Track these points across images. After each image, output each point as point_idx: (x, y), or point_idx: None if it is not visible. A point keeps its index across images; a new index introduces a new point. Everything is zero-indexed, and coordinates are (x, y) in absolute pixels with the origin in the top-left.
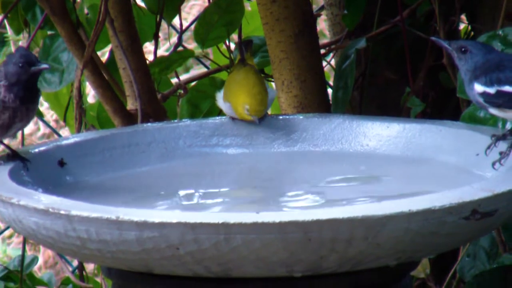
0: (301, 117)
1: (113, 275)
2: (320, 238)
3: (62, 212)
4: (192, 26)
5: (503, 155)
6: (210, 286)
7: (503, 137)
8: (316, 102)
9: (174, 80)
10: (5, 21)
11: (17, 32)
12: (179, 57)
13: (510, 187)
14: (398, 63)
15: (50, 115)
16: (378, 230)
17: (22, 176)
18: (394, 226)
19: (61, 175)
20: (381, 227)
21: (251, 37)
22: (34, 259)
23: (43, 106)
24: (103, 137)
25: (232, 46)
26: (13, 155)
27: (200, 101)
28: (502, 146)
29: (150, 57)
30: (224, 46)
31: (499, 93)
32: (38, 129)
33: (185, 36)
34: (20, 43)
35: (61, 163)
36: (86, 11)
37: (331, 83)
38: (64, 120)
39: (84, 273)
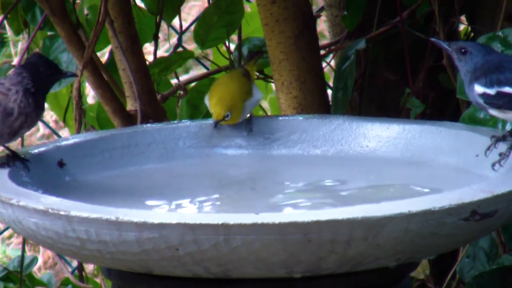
0: (300, 118)
1: (112, 276)
2: (320, 239)
3: (61, 212)
4: (192, 27)
5: (502, 156)
6: (210, 287)
7: (503, 138)
8: (316, 103)
9: (173, 81)
10: (5, 22)
11: (17, 32)
12: (178, 58)
13: (509, 188)
14: (397, 64)
15: (49, 115)
16: (377, 231)
17: (22, 176)
18: (393, 227)
19: (61, 176)
20: (381, 228)
21: (251, 38)
22: (34, 260)
23: None
24: (102, 138)
25: (232, 47)
26: (12, 156)
27: (199, 102)
28: (502, 147)
29: (150, 58)
30: (223, 47)
31: (499, 94)
32: (38, 129)
33: (185, 37)
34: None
35: (61, 164)
36: (86, 11)
37: (331, 84)
38: (64, 121)
39: (83, 273)
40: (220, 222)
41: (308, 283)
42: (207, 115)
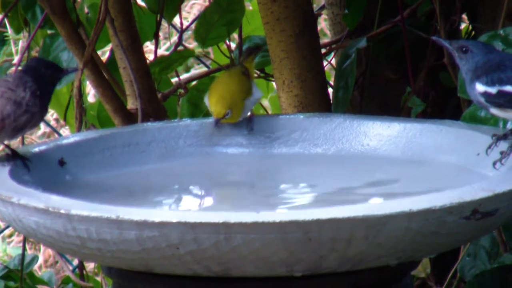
0: (301, 116)
1: (113, 274)
2: (320, 237)
3: (62, 211)
4: (193, 26)
5: (504, 154)
6: (210, 285)
7: (504, 137)
8: (317, 102)
9: (174, 80)
10: (5, 20)
11: (17, 31)
12: (179, 56)
13: (510, 186)
14: (398, 63)
15: (50, 114)
16: (378, 229)
17: (22, 175)
18: (394, 226)
19: (61, 175)
20: (382, 227)
21: (251, 36)
22: (34, 258)
23: None
24: (103, 137)
25: (233, 45)
26: (13, 155)
27: (200, 101)
28: (503, 145)
29: (150, 57)
30: (224, 46)
31: (500, 93)
32: (38, 128)
33: (186, 35)
34: (20, 42)
35: (61, 163)
36: (86, 10)
37: (331, 82)
38: (64, 119)
39: (84, 272)
40: (220, 221)
41: (308, 282)
42: (208, 113)
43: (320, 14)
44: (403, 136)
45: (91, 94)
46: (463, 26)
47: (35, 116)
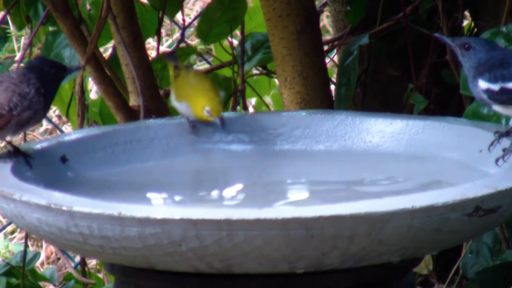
0: (303, 113)
1: (115, 271)
2: (323, 234)
3: (64, 208)
4: (195, 22)
5: (506, 151)
6: (212, 282)
7: (506, 134)
8: (319, 99)
9: None
10: (8, 17)
11: (19, 28)
12: (181, 53)
13: None
14: (401, 60)
15: (52, 110)
16: (380, 226)
17: (24, 172)
18: (397, 223)
19: (63, 171)
20: (384, 224)
21: (253, 33)
22: (36, 255)
23: None
24: (105, 133)
25: (235, 42)
26: (15, 152)
27: None
28: (505, 142)
29: (152, 53)
30: (226, 43)
31: (503, 90)
32: (41, 124)
33: (188, 32)
34: (23, 39)
35: (63, 159)
36: (88, 7)
37: (334, 79)
38: (67, 116)
39: (86, 268)
40: (223, 218)
41: (311, 279)
42: None
43: (322, 11)
44: (406, 133)
45: (93, 91)
46: (465, 23)
47: (38, 113)
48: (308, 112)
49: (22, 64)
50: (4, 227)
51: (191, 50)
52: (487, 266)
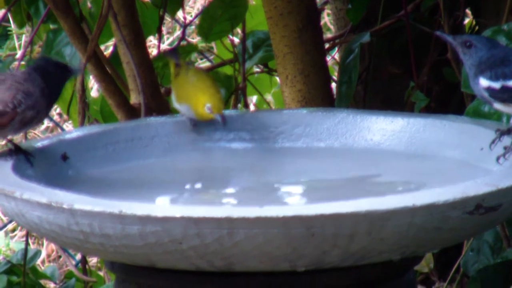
0: (304, 111)
1: (116, 269)
2: (323, 233)
3: (64, 206)
4: (196, 20)
5: (507, 149)
6: (213, 280)
7: (507, 132)
8: (320, 97)
9: None
10: (9, 15)
11: (20, 26)
12: (182, 51)
13: None
14: (402, 58)
15: (53, 108)
16: (381, 225)
17: (25, 170)
18: (397, 221)
19: (64, 169)
20: (385, 222)
21: (255, 31)
22: (37, 253)
23: None
24: (106, 131)
25: (236, 40)
26: (16, 150)
27: None
28: (507, 140)
29: (153, 51)
30: (227, 40)
31: (504, 88)
32: (42, 122)
33: (189, 30)
34: (24, 37)
35: (64, 157)
36: (89, 5)
37: (335, 77)
38: (68, 114)
39: (87, 266)
40: (223, 216)
41: (311, 277)
42: None
43: (323, 9)
44: (407, 131)
45: (94, 89)
46: (466, 21)
47: (41, 113)
48: (309, 110)
49: (23, 62)
50: (5, 225)
51: (192, 48)
52: (488, 264)
